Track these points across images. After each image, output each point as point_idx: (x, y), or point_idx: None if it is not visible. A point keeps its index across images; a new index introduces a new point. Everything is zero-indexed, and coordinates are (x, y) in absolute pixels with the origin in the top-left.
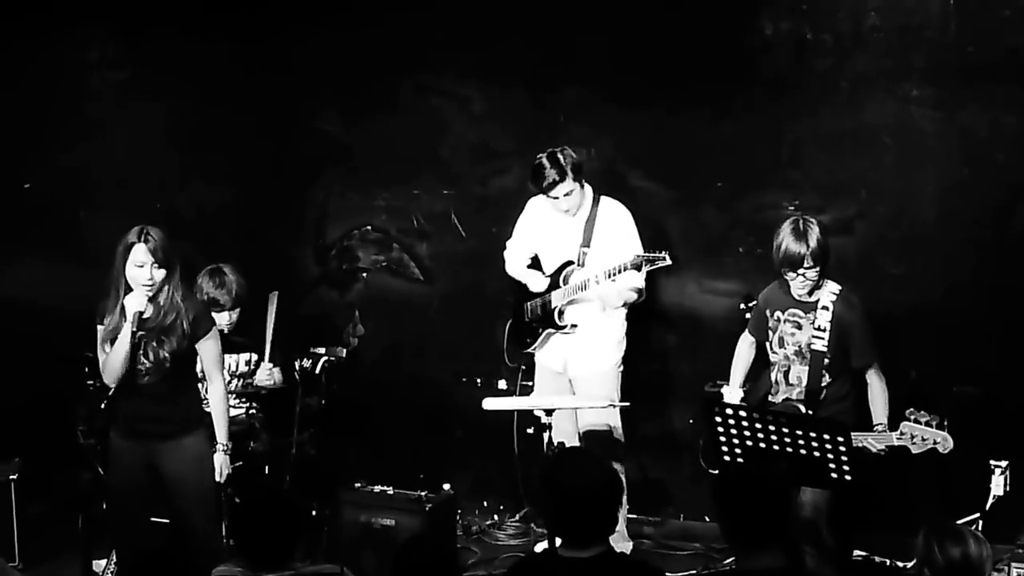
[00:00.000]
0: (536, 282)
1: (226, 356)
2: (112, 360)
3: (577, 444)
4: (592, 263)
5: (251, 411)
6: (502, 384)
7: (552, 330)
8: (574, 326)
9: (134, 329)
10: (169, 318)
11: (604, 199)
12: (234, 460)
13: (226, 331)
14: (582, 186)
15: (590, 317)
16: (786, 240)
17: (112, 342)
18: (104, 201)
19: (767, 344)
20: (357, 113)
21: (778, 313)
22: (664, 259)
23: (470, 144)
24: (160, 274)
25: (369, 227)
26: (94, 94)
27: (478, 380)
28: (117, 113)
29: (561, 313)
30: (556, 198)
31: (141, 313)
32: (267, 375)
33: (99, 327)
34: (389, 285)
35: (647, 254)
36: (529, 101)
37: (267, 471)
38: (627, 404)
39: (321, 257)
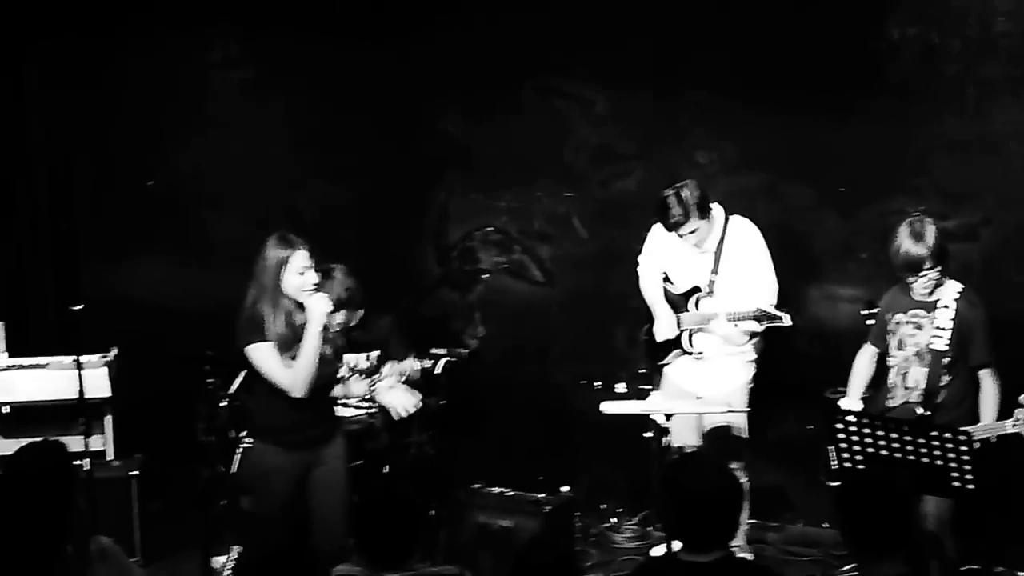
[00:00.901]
0: (662, 327)
1: (346, 355)
2: (304, 369)
3: (696, 449)
4: (721, 290)
5: (371, 412)
6: (621, 387)
7: (680, 351)
8: (700, 353)
9: (333, 334)
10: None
11: (734, 221)
12: (353, 460)
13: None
14: (709, 220)
15: (718, 345)
16: (904, 243)
17: (291, 355)
18: (226, 200)
19: (887, 349)
20: (479, 114)
21: (899, 316)
22: (782, 320)
23: (592, 146)
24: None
25: (491, 228)
26: (216, 93)
27: (597, 383)
28: (239, 112)
29: (691, 337)
30: (682, 236)
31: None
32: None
33: (254, 348)
34: (510, 287)
35: (768, 311)
36: (652, 104)
37: (386, 471)
38: (748, 411)
39: (442, 258)
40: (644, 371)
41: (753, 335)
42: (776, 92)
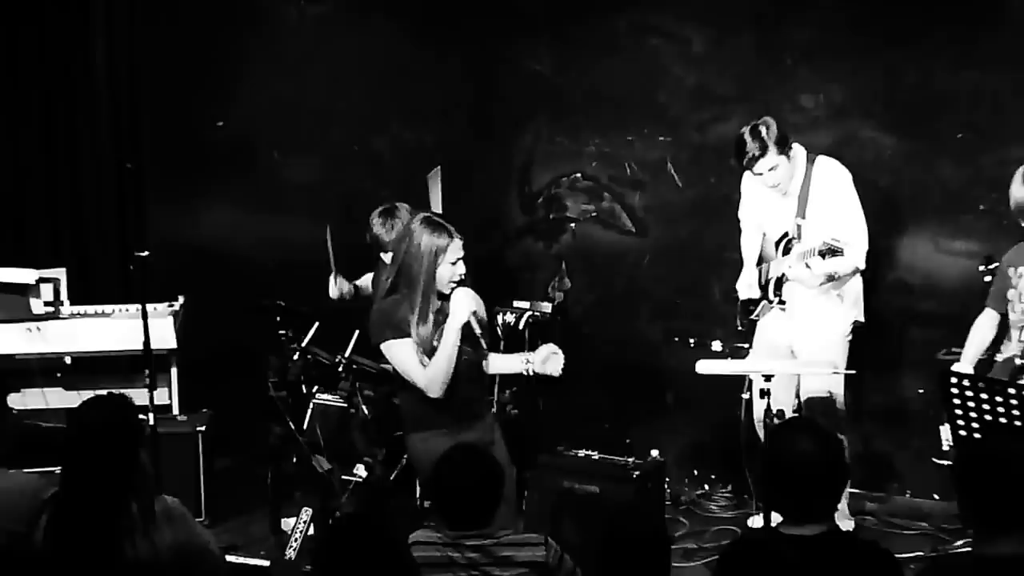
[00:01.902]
0: (743, 283)
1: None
2: (442, 368)
3: (796, 414)
4: (809, 235)
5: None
6: (717, 345)
7: (768, 303)
8: (783, 302)
9: (479, 332)
10: None
11: (820, 161)
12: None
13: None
14: (789, 158)
15: (804, 293)
16: (1016, 189)
17: (428, 351)
18: (300, 143)
19: (1009, 307)
20: (569, 53)
21: (1022, 269)
22: (842, 252)
23: (689, 88)
24: None
25: (579, 175)
26: (292, 29)
27: (691, 340)
28: (315, 50)
29: (777, 286)
30: (760, 174)
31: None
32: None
33: (391, 345)
34: (599, 237)
35: (831, 243)
36: (754, 43)
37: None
38: (852, 372)
39: (527, 206)
40: (742, 328)
41: (831, 278)
42: (889, 30)
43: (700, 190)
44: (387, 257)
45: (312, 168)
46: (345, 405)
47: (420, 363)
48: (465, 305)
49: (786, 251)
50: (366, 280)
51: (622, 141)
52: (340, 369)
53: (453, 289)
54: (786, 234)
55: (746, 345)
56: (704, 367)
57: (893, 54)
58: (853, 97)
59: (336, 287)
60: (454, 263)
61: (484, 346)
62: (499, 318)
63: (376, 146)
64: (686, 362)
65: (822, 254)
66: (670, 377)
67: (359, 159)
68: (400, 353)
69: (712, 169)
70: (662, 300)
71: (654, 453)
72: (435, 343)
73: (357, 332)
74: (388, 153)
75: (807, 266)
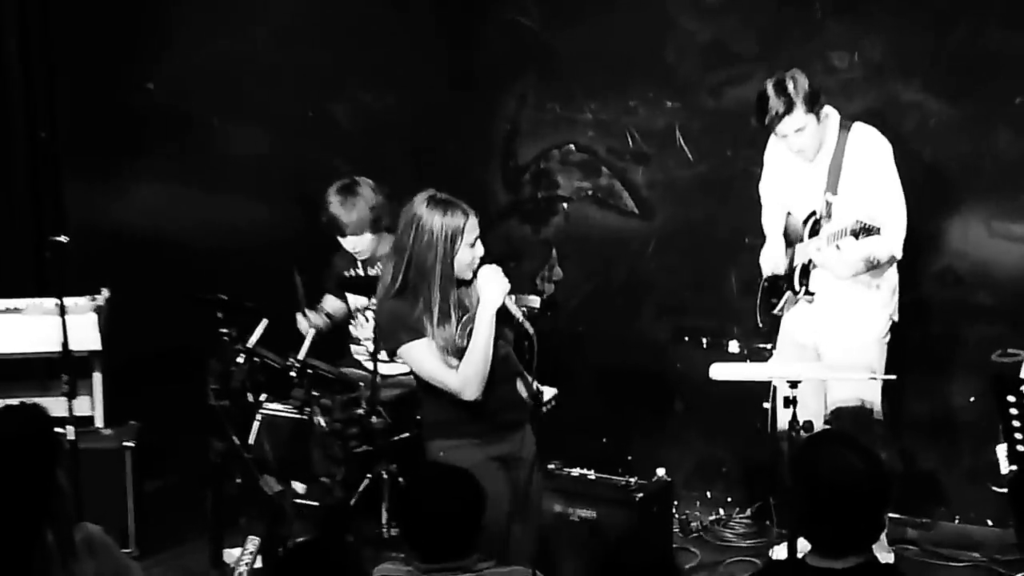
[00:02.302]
0: (768, 259)
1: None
2: (476, 366)
3: (825, 425)
4: (841, 213)
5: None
6: (734, 346)
7: (792, 294)
8: (810, 294)
9: (519, 316)
10: None
11: (856, 128)
12: (396, 430)
13: (354, 266)
14: (819, 119)
15: (840, 284)
16: None
17: (455, 352)
18: (243, 108)
19: None
20: (560, 4)
21: None
22: (879, 232)
23: (701, 45)
24: None
25: (572, 146)
26: None
27: (704, 340)
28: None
29: (804, 274)
30: (784, 136)
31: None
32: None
33: (407, 349)
34: (595, 219)
35: (866, 223)
36: None
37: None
38: (892, 377)
39: (511, 182)
40: (763, 326)
41: (868, 265)
42: None
43: (715, 164)
44: (349, 242)
45: (258, 138)
46: (298, 416)
47: (446, 364)
48: (497, 286)
49: (813, 232)
50: (334, 304)
51: (623, 107)
52: (292, 374)
53: (475, 273)
54: (814, 213)
55: (768, 346)
56: (719, 371)
57: (941, 4)
58: (893, 55)
59: (307, 323)
60: (472, 244)
61: (531, 332)
62: None
63: (333, 112)
64: (698, 366)
65: (855, 234)
66: (679, 383)
67: (313, 127)
68: (420, 355)
69: (729, 140)
70: (670, 293)
71: (660, 472)
72: (461, 341)
73: (312, 332)
74: (347, 120)
75: (838, 248)
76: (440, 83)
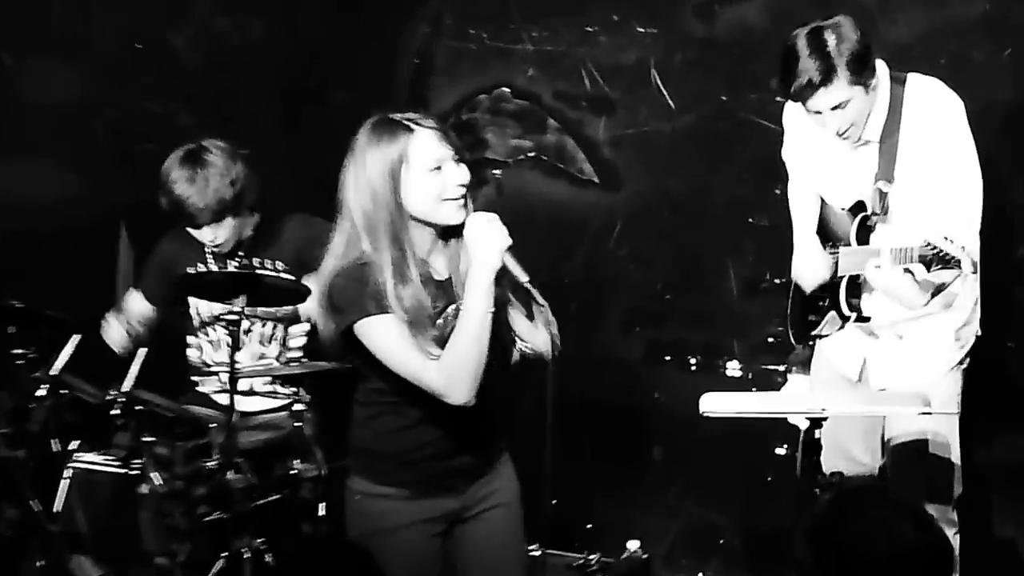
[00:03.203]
0: (802, 266)
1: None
2: (466, 355)
3: (870, 475)
4: (901, 208)
5: (296, 408)
6: (734, 368)
7: (838, 315)
8: (864, 319)
9: (524, 279)
10: None
11: (914, 84)
12: (262, 490)
13: (211, 262)
14: (868, 89)
15: (899, 310)
16: None
17: (435, 333)
18: (46, 40)
19: None
20: None
21: None
22: (960, 266)
23: None
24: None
25: (506, 89)
26: None
27: (692, 360)
28: None
29: (852, 290)
30: (818, 112)
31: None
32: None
33: (367, 324)
34: (539, 190)
35: (942, 248)
36: None
37: (323, 511)
38: (955, 412)
39: None
40: (800, 344)
41: (937, 290)
42: None
43: (704, 113)
44: (205, 234)
45: (67, 81)
46: (124, 471)
47: (418, 350)
48: (493, 241)
49: (863, 232)
50: (140, 309)
51: (577, 34)
52: (115, 412)
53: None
54: (861, 204)
55: (781, 367)
56: (712, 404)
57: None
58: None
59: (118, 327)
60: (436, 168)
61: (545, 307)
62: None
63: (173, 44)
64: (684, 396)
65: (926, 263)
66: (658, 421)
67: (145, 65)
68: (382, 336)
69: (723, 79)
70: (644, 294)
71: (632, 546)
72: (435, 318)
73: (143, 351)
74: (193, 55)
75: (907, 272)
76: (323, 3)
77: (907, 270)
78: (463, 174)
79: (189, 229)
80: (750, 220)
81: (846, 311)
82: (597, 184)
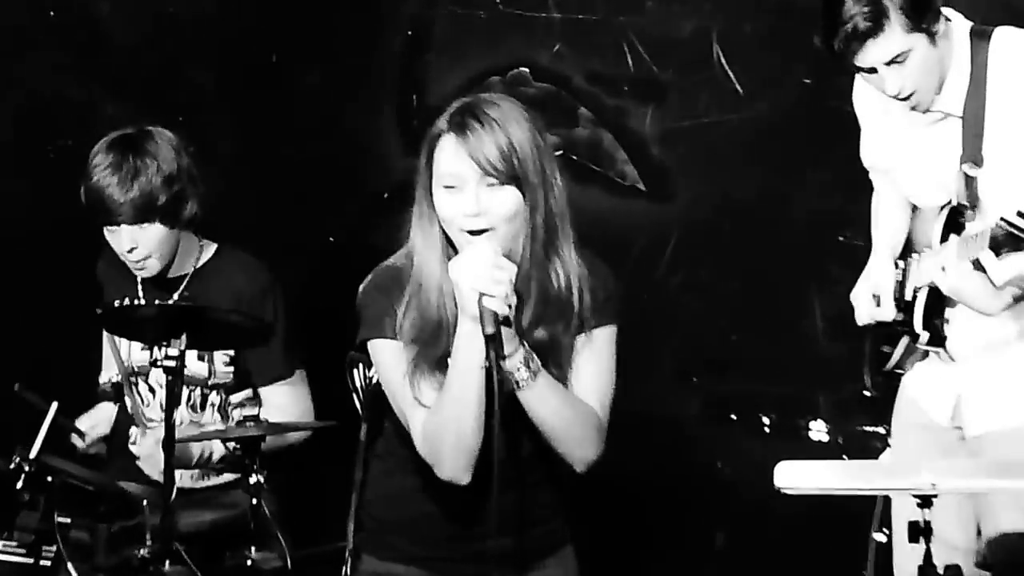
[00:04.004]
0: (865, 291)
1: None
2: (446, 419)
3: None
4: (995, 196)
5: (253, 480)
6: (819, 429)
7: (910, 340)
8: (940, 341)
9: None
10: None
11: (1000, 38)
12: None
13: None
14: (935, 40)
15: (988, 322)
16: None
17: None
18: None
19: None
20: None
21: None
22: None
23: None
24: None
25: (525, 69)
26: None
27: (766, 420)
28: None
29: (932, 308)
30: (870, 70)
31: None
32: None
33: (373, 347)
34: (568, 199)
35: (1015, 222)
36: None
37: None
38: None
39: (415, 134)
40: (875, 392)
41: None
42: None
43: (781, 101)
44: (123, 238)
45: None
46: (31, 561)
47: (415, 391)
48: (468, 271)
49: (949, 227)
50: (95, 423)
51: (613, 3)
52: (19, 486)
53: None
54: (949, 203)
55: (880, 430)
56: (791, 477)
57: None
58: None
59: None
60: (449, 186)
61: (526, 375)
62: (356, 373)
63: (95, 10)
64: (755, 467)
65: (996, 245)
66: (721, 498)
67: (57, 38)
68: (384, 364)
69: (806, 58)
70: (703, 333)
71: None
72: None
73: (55, 405)
74: (118, 23)
75: (977, 266)
76: None
77: (976, 264)
78: (468, 205)
79: (106, 230)
80: (840, 239)
81: (919, 330)
82: (643, 192)
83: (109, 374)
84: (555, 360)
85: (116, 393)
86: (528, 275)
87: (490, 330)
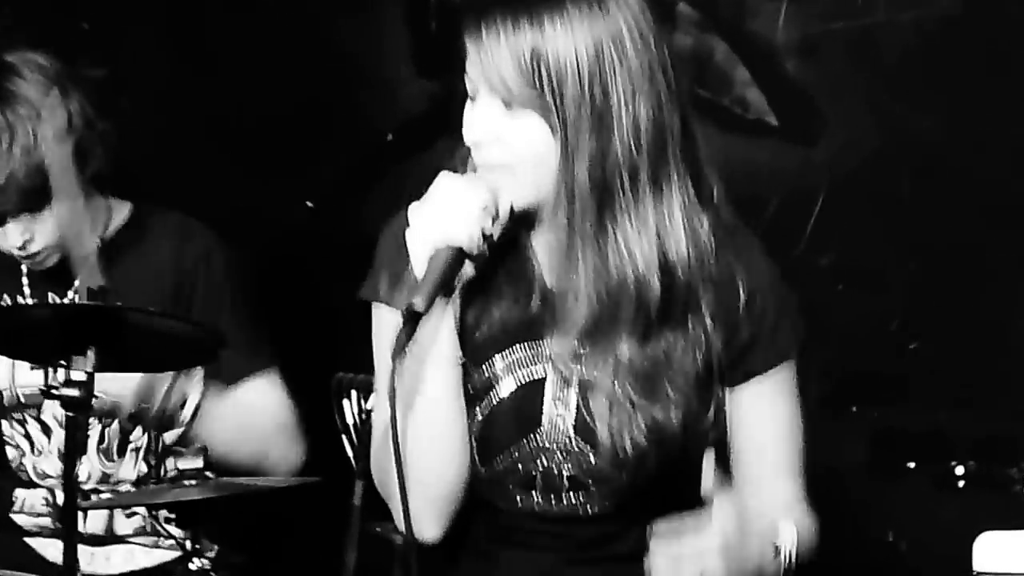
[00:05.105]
0: None
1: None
2: (389, 468)
3: None
4: None
5: (194, 566)
6: None
7: None
8: None
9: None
10: None
11: None
12: None
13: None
14: None
15: None
16: None
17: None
18: None
19: None
20: None
21: None
22: None
23: None
24: None
25: None
26: None
27: (959, 468)
28: None
29: None
30: None
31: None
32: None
33: (374, 311)
34: None
35: None
36: None
37: None
38: None
39: (432, 65)
40: None
41: None
42: None
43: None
44: (9, 235)
45: None
46: None
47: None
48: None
49: None
50: None
51: None
52: None
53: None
54: None
55: None
56: (995, 552)
57: None
58: None
59: None
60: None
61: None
62: (346, 405)
63: None
64: (943, 535)
65: None
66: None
67: None
68: (380, 335)
69: None
70: (866, 339)
71: None
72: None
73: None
74: None
75: None
76: None
77: None
78: (481, 123)
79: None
80: None
81: None
82: (775, 129)
83: None
84: (648, 387)
85: None
86: (572, 257)
87: (421, 305)
